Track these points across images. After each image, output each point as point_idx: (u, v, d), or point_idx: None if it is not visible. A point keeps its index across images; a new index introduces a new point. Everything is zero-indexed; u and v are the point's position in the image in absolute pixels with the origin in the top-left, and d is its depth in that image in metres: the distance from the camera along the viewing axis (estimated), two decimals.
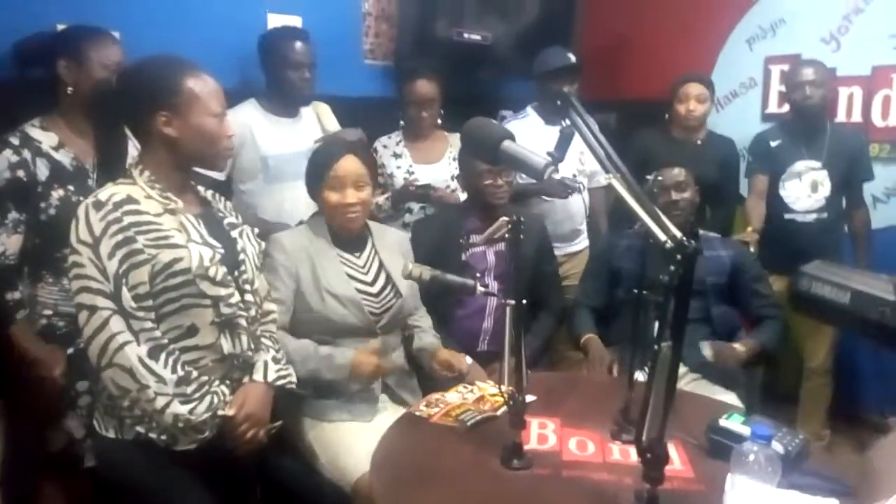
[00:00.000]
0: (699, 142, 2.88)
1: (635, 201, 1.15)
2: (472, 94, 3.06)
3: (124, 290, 1.30)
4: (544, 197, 2.60)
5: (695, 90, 2.82)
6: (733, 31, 3.37)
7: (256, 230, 1.60)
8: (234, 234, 1.51)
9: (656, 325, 1.73)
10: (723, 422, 1.41)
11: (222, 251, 1.43)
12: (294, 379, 1.57)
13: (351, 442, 1.65)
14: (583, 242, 2.80)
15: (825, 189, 2.64)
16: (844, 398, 2.93)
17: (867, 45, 2.97)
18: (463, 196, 2.55)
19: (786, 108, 3.11)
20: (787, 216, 2.69)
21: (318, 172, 1.78)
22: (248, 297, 1.48)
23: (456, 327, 2.18)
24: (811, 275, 1.76)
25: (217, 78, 1.44)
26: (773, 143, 2.76)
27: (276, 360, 1.54)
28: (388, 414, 1.71)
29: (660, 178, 1.88)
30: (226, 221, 1.52)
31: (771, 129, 2.87)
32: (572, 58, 2.67)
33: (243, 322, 1.46)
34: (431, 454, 1.41)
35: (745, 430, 1.36)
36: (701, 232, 2.21)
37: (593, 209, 2.85)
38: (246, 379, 1.49)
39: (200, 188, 1.54)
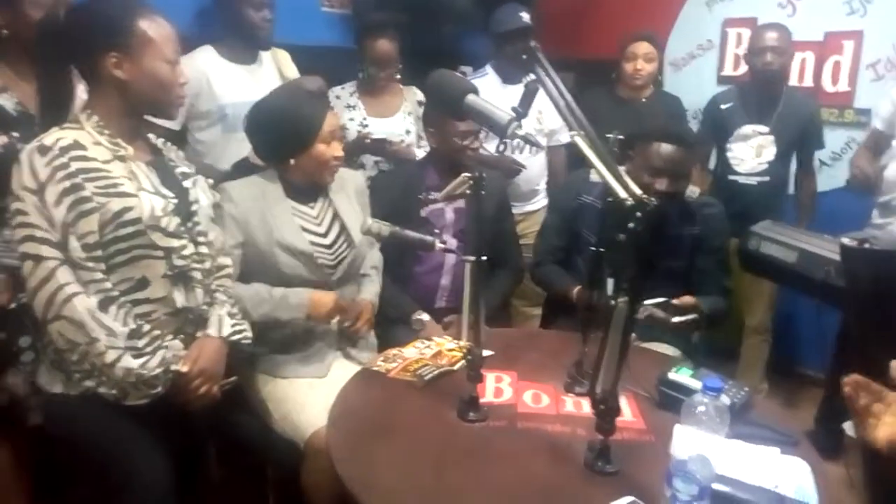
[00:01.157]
0: (644, 100, 2.90)
1: (598, 159, 1.15)
2: (431, 48, 2.99)
3: (72, 239, 1.25)
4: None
5: (642, 49, 2.82)
6: None
7: (210, 181, 1.54)
8: (187, 184, 1.46)
9: (610, 281, 1.78)
10: (672, 375, 1.46)
11: (175, 201, 1.39)
12: (249, 334, 1.55)
13: (305, 398, 1.64)
14: (541, 202, 2.81)
15: (769, 154, 2.69)
16: (782, 355, 3.07)
17: (821, 11, 3.01)
18: (420, 152, 2.52)
19: (741, 70, 3.18)
20: (730, 177, 2.74)
21: (308, 127, 1.69)
22: (202, 249, 1.44)
23: (414, 283, 2.17)
24: (760, 234, 1.81)
25: (172, 22, 1.37)
26: (724, 106, 2.79)
27: (231, 315, 1.52)
28: (344, 370, 1.70)
29: (620, 136, 1.85)
30: (178, 171, 1.46)
31: (724, 91, 2.90)
32: (525, 18, 2.61)
33: (197, 275, 1.42)
34: (389, 408, 1.43)
35: (694, 383, 1.42)
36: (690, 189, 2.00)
37: (552, 168, 2.85)
38: (200, 334, 1.46)
39: (152, 136, 1.47)
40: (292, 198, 1.77)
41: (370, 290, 1.90)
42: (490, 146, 2.63)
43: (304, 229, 1.76)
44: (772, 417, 1.45)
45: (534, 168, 2.74)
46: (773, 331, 2.95)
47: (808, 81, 3.07)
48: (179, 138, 2.17)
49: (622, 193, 1.10)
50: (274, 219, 1.71)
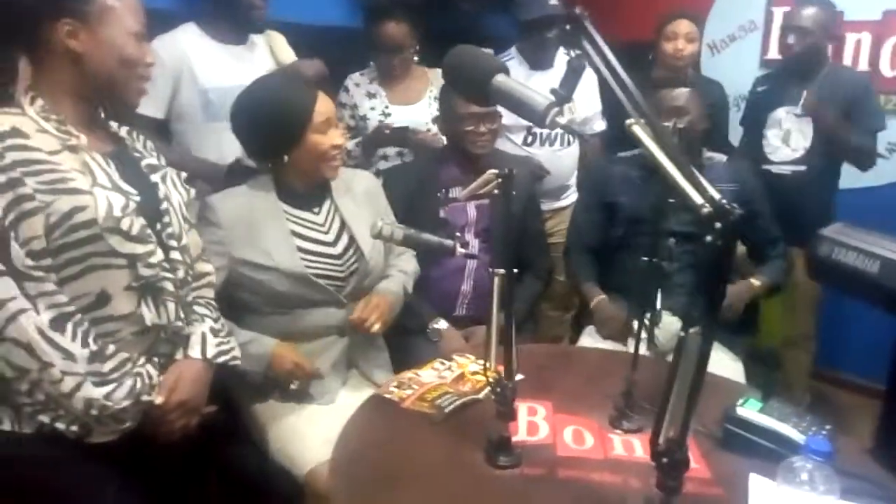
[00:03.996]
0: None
1: (663, 153, 0.92)
2: (452, 29, 2.75)
3: (14, 245, 1.04)
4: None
5: (684, 28, 2.58)
6: None
7: (184, 175, 1.32)
8: (155, 178, 1.24)
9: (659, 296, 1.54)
10: (740, 410, 1.23)
11: (138, 198, 1.17)
12: (238, 353, 1.34)
13: (306, 427, 1.44)
14: (570, 197, 2.56)
15: (805, 139, 2.42)
16: (823, 360, 2.84)
17: None
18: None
19: None
20: (763, 167, 2.48)
21: (296, 117, 1.48)
22: (175, 255, 1.22)
23: (431, 289, 1.95)
24: (833, 239, 1.56)
25: None
26: (760, 89, 2.58)
27: (215, 332, 1.30)
28: (353, 395, 1.50)
29: (681, 126, 1.64)
30: (144, 163, 1.24)
31: (765, 75, 2.66)
32: (555, 4, 2.34)
33: (168, 286, 1.20)
34: (402, 448, 1.20)
35: (765, 421, 1.21)
36: (707, 154, 2.01)
37: (586, 161, 2.58)
38: (179, 355, 1.25)
39: (114, 123, 1.25)
40: (292, 204, 1.55)
41: (387, 285, 1.67)
42: (514, 138, 2.41)
43: (309, 238, 1.54)
44: (860, 460, 1.22)
45: (565, 162, 2.49)
46: (817, 337, 2.69)
47: (864, 65, 2.80)
48: (165, 131, 1.96)
49: (698, 199, 0.86)
50: (263, 237, 1.49)
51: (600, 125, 2.56)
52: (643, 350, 1.36)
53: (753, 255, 2.04)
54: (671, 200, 1.37)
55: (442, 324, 1.91)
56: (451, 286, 1.98)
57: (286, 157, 1.49)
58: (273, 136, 1.49)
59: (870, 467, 1.20)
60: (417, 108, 2.35)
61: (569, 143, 2.47)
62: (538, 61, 2.42)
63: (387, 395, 1.34)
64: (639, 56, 2.72)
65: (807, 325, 2.64)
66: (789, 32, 2.38)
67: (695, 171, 0.90)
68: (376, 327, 1.56)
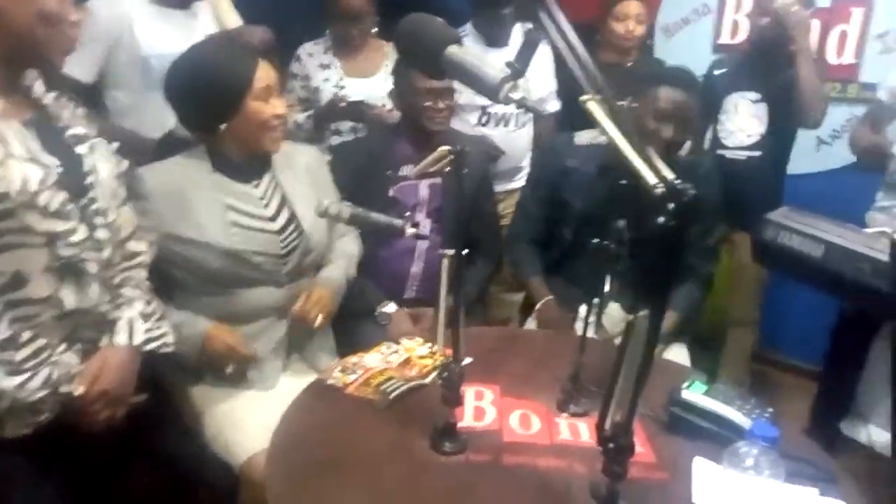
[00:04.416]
0: (629, 65, 2.62)
1: (618, 131, 0.89)
2: (409, 1, 2.66)
3: None
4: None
5: (634, 9, 2.54)
6: None
7: (115, 144, 1.22)
8: (81, 149, 1.14)
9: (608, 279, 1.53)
10: (685, 393, 1.23)
11: (60, 170, 1.07)
12: (171, 339, 1.26)
13: (244, 414, 1.39)
14: (524, 179, 2.50)
15: (759, 125, 2.44)
16: (765, 344, 2.91)
17: None
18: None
19: (740, 38, 2.93)
20: (718, 151, 2.49)
21: (236, 83, 1.39)
22: (100, 233, 1.13)
23: (380, 270, 1.90)
24: (778, 223, 1.56)
25: None
26: (717, 72, 2.55)
27: (145, 316, 1.22)
28: (295, 380, 1.44)
29: (634, 104, 1.60)
30: (69, 132, 1.14)
31: (721, 58, 2.66)
32: None
33: (92, 267, 1.12)
34: (344, 435, 1.16)
35: (710, 404, 1.21)
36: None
37: (540, 141, 2.53)
38: (104, 342, 1.16)
39: (37, 87, 1.14)
40: (229, 176, 1.47)
41: (329, 274, 1.62)
42: (468, 118, 2.36)
43: (247, 213, 1.46)
44: (798, 442, 1.24)
45: (518, 142, 2.45)
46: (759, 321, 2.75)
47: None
48: (95, 98, 1.84)
49: (651, 179, 0.84)
50: (196, 212, 1.41)
51: (555, 105, 2.53)
52: (591, 333, 1.35)
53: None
54: (623, 182, 1.34)
55: (391, 307, 1.86)
56: (400, 267, 1.93)
57: (223, 126, 1.41)
58: (209, 102, 1.40)
59: (811, 449, 1.22)
60: (373, 82, 2.27)
61: (523, 125, 2.44)
62: (494, 38, 2.37)
63: (330, 381, 1.29)
64: (585, 38, 2.69)
65: (751, 308, 2.68)
66: (766, 14, 2.34)
67: (650, 152, 0.88)
68: (319, 321, 1.51)
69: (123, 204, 1.23)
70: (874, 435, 2.26)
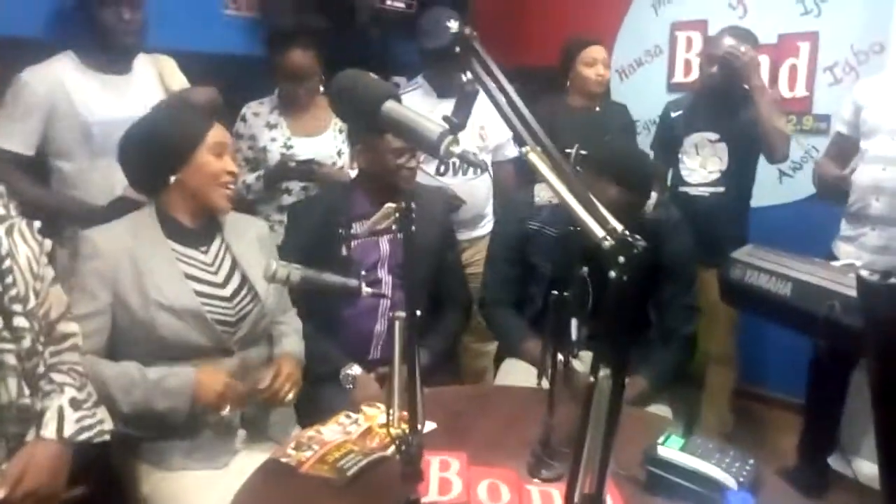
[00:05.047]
0: (597, 109, 2.65)
1: (562, 183, 0.84)
2: (360, 57, 2.67)
3: None
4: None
5: (600, 53, 2.61)
6: None
7: (38, 224, 1.15)
8: None
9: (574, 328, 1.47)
10: (661, 450, 1.16)
11: None
12: (108, 427, 1.17)
13: (195, 497, 1.28)
14: (487, 226, 2.48)
15: (719, 163, 2.45)
16: (748, 378, 2.88)
17: (773, 12, 2.84)
18: (353, 174, 2.19)
19: (693, 77, 2.98)
20: (681, 188, 2.51)
21: (188, 137, 1.37)
22: (19, 321, 1.06)
23: (344, 331, 1.83)
24: (744, 262, 1.53)
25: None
26: (674, 115, 2.58)
27: (75, 405, 1.13)
28: (250, 456, 1.35)
29: (583, 152, 1.57)
30: None
31: (676, 99, 2.68)
32: (454, 27, 2.26)
33: (10, 359, 1.04)
34: None
35: (688, 460, 1.15)
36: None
37: (500, 187, 2.51)
38: (31, 435, 1.07)
39: None
40: (178, 241, 1.41)
41: (292, 348, 1.56)
42: (428, 168, 2.33)
43: (196, 279, 1.40)
44: (784, 493, 1.17)
45: (479, 191, 2.42)
46: (737, 357, 2.71)
47: None
48: (39, 168, 1.78)
49: (599, 232, 0.79)
50: (150, 271, 1.35)
51: (513, 151, 2.52)
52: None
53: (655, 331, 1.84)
54: (574, 227, 1.30)
55: (355, 369, 1.78)
56: (364, 327, 1.85)
57: (173, 179, 1.37)
58: (162, 153, 1.37)
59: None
60: (322, 140, 2.24)
61: (481, 172, 2.42)
62: (445, 89, 2.36)
63: (284, 459, 1.20)
64: (550, 81, 2.71)
65: (727, 345, 2.64)
66: (713, 62, 2.37)
67: (595, 201, 0.84)
68: (290, 397, 1.44)
69: (53, 284, 1.15)
70: (862, 468, 2.20)
